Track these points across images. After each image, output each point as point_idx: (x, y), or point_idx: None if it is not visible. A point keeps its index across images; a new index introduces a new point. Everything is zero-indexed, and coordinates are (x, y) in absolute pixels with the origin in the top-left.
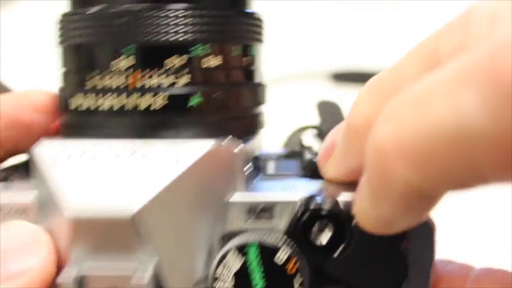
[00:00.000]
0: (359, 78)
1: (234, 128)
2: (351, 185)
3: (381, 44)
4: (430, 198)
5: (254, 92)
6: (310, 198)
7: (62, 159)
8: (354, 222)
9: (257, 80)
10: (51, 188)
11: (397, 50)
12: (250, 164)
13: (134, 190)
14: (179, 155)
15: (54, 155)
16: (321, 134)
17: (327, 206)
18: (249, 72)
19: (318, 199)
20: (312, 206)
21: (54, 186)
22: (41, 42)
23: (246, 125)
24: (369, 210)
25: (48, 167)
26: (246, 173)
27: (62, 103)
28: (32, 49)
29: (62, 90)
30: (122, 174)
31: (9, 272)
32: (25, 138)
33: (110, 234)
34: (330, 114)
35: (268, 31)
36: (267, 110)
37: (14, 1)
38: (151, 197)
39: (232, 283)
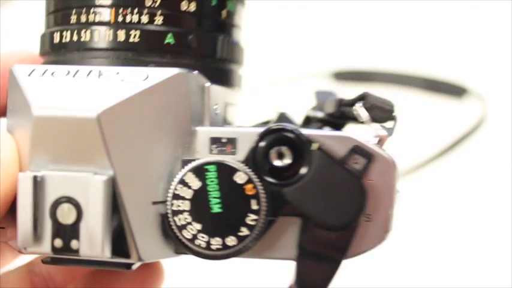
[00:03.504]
0: (360, 77)
1: (205, 72)
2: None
3: (381, 43)
4: None
5: (230, 47)
6: (269, 129)
7: (39, 73)
8: (314, 146)
9: (235, 37)
10: (25, 93)
11: (397, 50)
12: (218, 106)
13: (101, 96)
14: (148, 74)
15: (32, 69)
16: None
17: (284, 132)
18: (226, 26)
19: (276, 128)
20: (269, 133)
21: (28, 90)
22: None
23: (217, 74)
24: None
25: (25, 75)
26: (214, 112)
27: (46, 44)
28: (32, 49)
29: (45, 32)
30: (92, 86)
31: None
32: None
33: (71, 136)
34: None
35: (269, 31)
36: (268, 108)
37: (14, 1)
38: (117, 101)
39: (191, 201)
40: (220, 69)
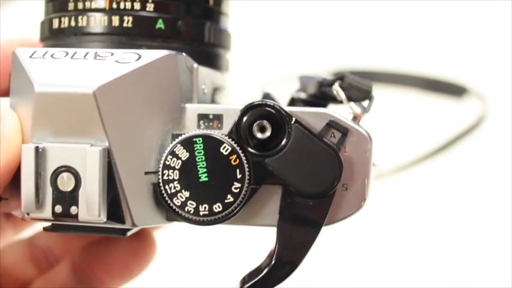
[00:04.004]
0: (360, 76)
1: (193, 55)
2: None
3: (381, 43)
4: None
5: (217, 32)
6: (251, 104)
7: (40, 54)
8: (293, 120)
9: (222, 24)
10: (28, 72)
11: (397, 50)
12: (206, 86)
13: (97, 74)
14: (140, 55)
15: (33, 51)
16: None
17: (265, 107)
18: (213, 13)
19: (258, 103)
20: (251, 108)
21: (31, 70)
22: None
23: (205, 58)
24: None
25: (27, 56)
26: (202, 92)
27: (45, 29)
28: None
29: (45, 19)
30: (89, 66)
31: None
32: None
33: (70, 111)
34: None
35: (270, 31)
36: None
37: (14, 1)
38: (112, 78)
39: (180, 171)
40: (207, 53)
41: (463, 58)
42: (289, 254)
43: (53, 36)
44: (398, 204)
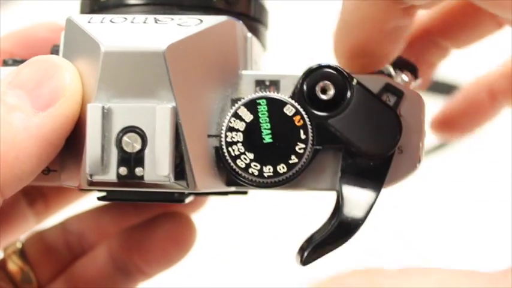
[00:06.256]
0: None
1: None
2: None
3: None
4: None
5: (261, 8)
6: (313, 67)
7: (98, 20)
8: (354, 81)
9: (263, 1)
10: (90, 34)
11: None
12: (257, 57)
13: (163, 35)
14: (201, 20)
15: (90, 17)
16: None
17: (327, 68)
18: None
19: (320, 65)
20: (314, 70)
21: (93, 32)
22: None
23: (252, 30)
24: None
25: (85, 21)
26: (255, 61)
27: (89, 4)
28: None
29: None
30: (154, 27)
31: (43, 99)
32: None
33: (137, 70)
34: None
35: (271, 31)
36: None
37: (14, 1)
38: (179, 38)
39: (244, 133)
40: (254, 28)
41: (458, 57)
42: (352, 213)
43: (100, 9)
44: (397, 204)
